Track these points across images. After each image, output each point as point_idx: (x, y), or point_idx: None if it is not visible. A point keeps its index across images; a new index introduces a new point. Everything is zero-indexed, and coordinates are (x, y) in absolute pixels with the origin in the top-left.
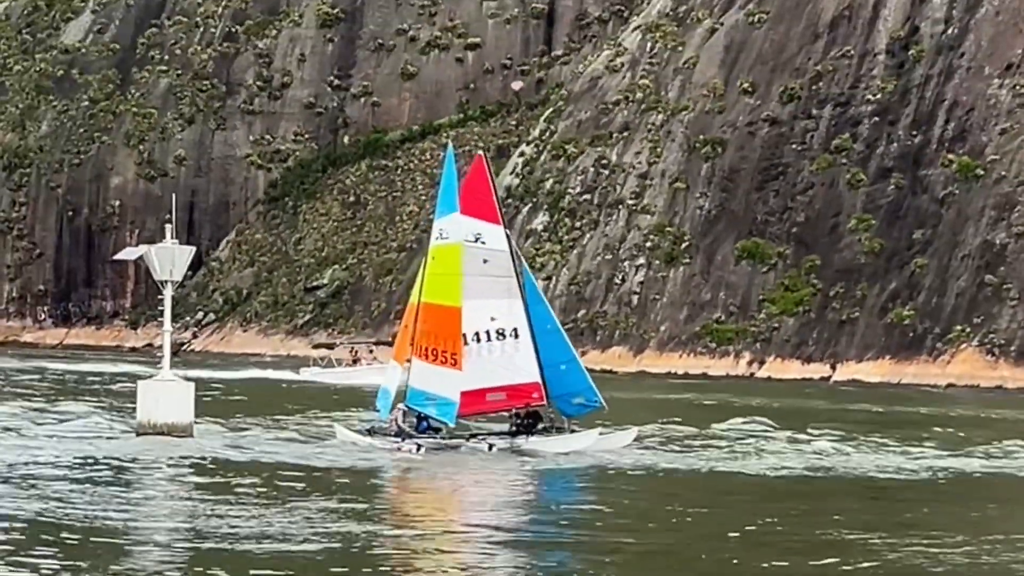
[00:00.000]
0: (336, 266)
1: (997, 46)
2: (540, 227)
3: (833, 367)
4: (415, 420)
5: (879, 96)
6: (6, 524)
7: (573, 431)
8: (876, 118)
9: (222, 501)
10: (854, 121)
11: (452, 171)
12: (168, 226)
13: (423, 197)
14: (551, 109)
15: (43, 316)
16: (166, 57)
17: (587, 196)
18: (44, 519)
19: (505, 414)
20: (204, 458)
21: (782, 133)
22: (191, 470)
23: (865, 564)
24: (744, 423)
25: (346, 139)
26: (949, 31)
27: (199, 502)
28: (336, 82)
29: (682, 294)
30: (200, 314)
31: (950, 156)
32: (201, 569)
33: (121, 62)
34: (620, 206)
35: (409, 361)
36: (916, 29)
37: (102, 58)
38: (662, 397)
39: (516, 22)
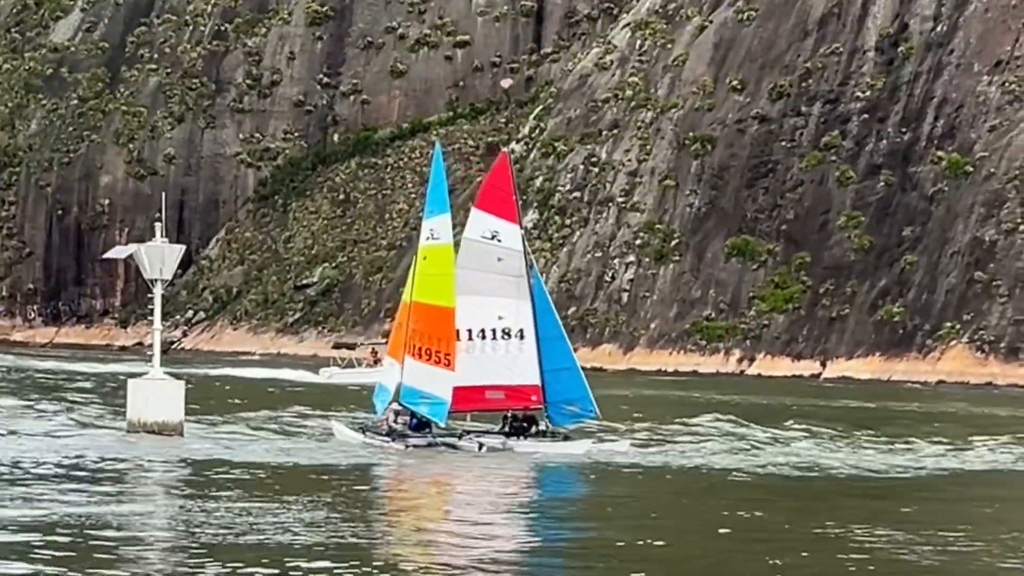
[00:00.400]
0: (326, 264)
1: (986, 43)
2: (530, 225)
3: (823, 364)
4: (409, 418)
5: (868, 93)
6: None
7: (568, 438)
8: (865, 115)
9: (211, 500)
10: (843, 118)
11: (440, 171)
12: (158, 224)
13: (413, 195)
14: (540, 107)
15: (33, 315)
16: (155, 56)
17: (577, 194)
18: (35, 520)
19: (498, 413)
20: (192, 458)
21: (771, 130)
22: (181, 469)
23: (853, 559)
24: (711, 421)
25: (336, 137)
26: (938, 28)
27: (188, 501)
28: (325, 80)
29: (672, 291)
30: (190, 312)
31: (939, 153)
32: (187, 570)
33: (110, 61)
34: (610, 204)
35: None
36: (905, 26)
37: (91, 57)
38: (647, 393)
39: (505, 20)
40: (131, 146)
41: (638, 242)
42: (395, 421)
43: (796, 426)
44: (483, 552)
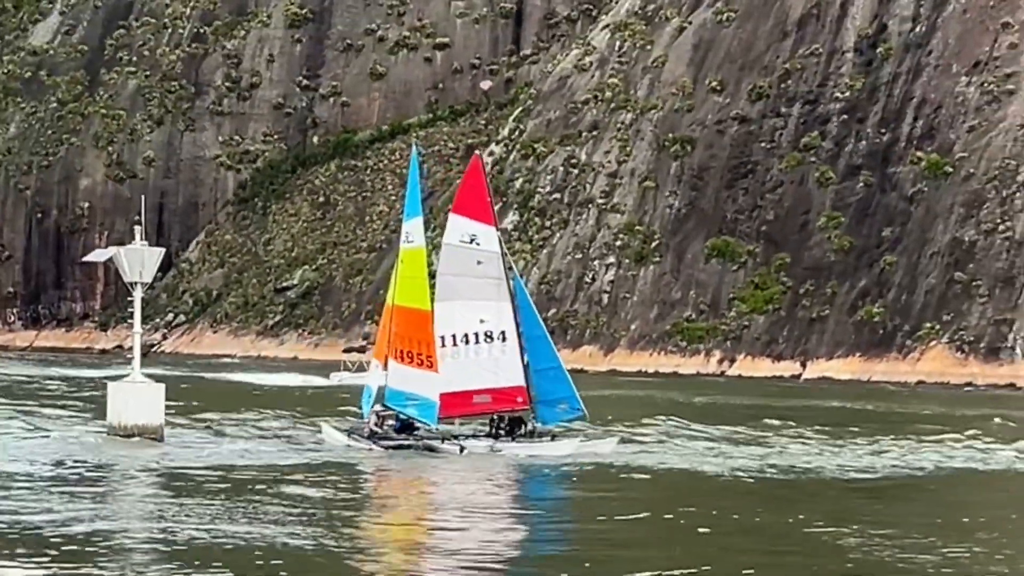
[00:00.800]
0: (306, 266)
1: (965, 44)
2: (510, 226)
3: (803, 365)
4: (395, 421)
5: (847, 94)
6: None
7: (554, 437)
8: (845, 116)
9: (190, 503)
10: (823, 119)
11: (416, 174)
12: (137, 227)
13: (393, 197)
14: (520, 108)
15: (12, 318)
16: (134, 58)
17: (557, 195)
18: (17, 524)
19: (487, 416)
20: (173, 463)
21: (751, 131)
22: (160, 473)
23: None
24: (658, 421)
25: (315, 139)
26: (917, 29)
27: (168, 505)
28: (305, 82)
29: (652, 293)
30: (170, 315)
31: (919, 154)
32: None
33: (89, 63)
34: (590, 205)
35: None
36: (884, 27)
37: (70, 60)
38: (631, 395)
39: (485, 21)
40: (110, 149)
41: (618, 243)
42: (378, 423)
43: (765, 426)
44: (460, 553)
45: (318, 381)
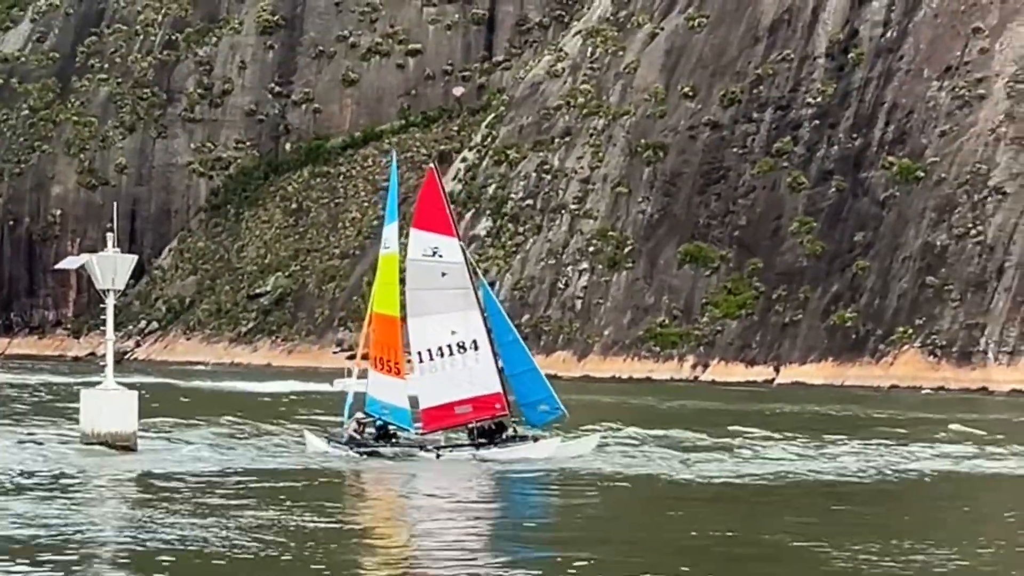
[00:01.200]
0: (279, 273)
1: (936, 49)
2: (483, 233)
3: (776, 369)
4: (374, 428)
5: (819, 99)
6: None
7: (536, 439)
8: (816, 121)
9: (162, 511)
10: (795, 124)
11: (394, 180)
12: (110, 235)
13: (365, 204)
14: (493, 115)
15: None
16: (106, 65)
17: (530, 201)
18: None
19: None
20: (148, 469)
21: (723, 137)
22: (134, 481)
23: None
24: (632, 427)
25: (288, 146)
26: (888, 34)
27: (140, 512)
28: (277, 89)
29: (625, 298)
30: (143, 322)
31: (890, 158)
32: None
33: (61, 71)
34: (563, 211)
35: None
36: (855, 32)
37: (41, 67)
38: (605, 400)
39: (457, 28)
40: (82, 156)
41: (591, 249)
42: (358, 430)
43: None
44: (432, 562)
45: (321, 387)
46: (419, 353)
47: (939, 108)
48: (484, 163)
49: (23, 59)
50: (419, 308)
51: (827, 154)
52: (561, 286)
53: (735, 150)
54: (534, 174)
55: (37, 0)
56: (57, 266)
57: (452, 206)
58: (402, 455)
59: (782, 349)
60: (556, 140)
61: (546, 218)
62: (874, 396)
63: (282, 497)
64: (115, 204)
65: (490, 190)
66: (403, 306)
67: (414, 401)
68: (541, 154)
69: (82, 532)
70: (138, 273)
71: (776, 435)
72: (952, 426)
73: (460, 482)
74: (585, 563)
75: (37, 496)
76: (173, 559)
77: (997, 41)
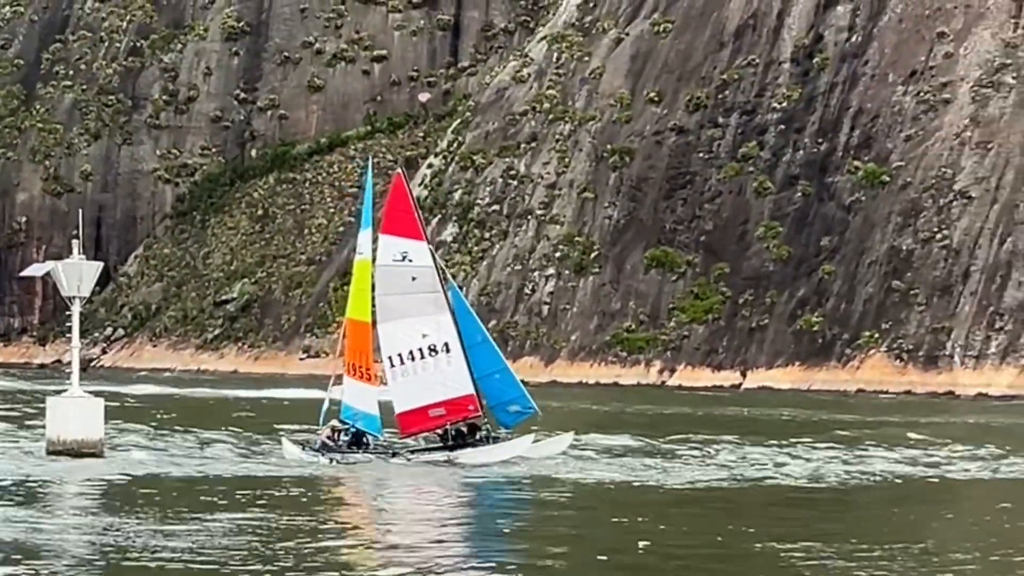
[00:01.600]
0: (245, 280)
1: (901, 53)
2: (450, 238)
3: (743, 374)
4: (347, 435)
5: (785, 104)
6: None
7: (509, 438)
8: (782, 126)
9: (127, 519)
10: (760, 129)
11: (369, 186)
12: (75, 241)
13: (331, 210)
14: (458, 120)
15: None
16: (71, 72)
17: (496, 207)
18: None
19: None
20: (113, 477)
21: (689, 142)
22: (102, 488)
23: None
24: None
25: (253, 152)
26: (853, 39)
27: (107, 520)
28: (242, 95)
29: (592, 303)
30: (109, 330)
31: (856, 163)
32: None
33: (25, 77)
34: (529, 216)
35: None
36: (820, 37)
37: (6, 74)
38: (577, 407)
39: (422, 34)
40: (47, 163)
41: (558, 254)
42: (331, 437)
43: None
44: (401, 568)
45: (319, 394)
46: (390, 358)
47: (904, 113)
48: (450, 169)
49: None
50: (388, 314)
51: (793, 159)
52: (528, 291)
53: (701, 155)
54: (500, 179)
55: (1, 7)
56: (23, 273)
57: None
58: (373, 461)
59: (749, 354)
60: (522, 145)
61: (512, 224)
62: (840, 400)
63: (249, 503)
64: (80, 211)
65: (456, 196)
66: (374, 312)
67: (387, 407)
68: (507, 160)
69: (43, 539)
70: (104, 280)
71: (738, 440)
72: (910, 434)
73: (428, 486)
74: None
75: (1, 504)
76: (135, 568)
77: (962, 46)
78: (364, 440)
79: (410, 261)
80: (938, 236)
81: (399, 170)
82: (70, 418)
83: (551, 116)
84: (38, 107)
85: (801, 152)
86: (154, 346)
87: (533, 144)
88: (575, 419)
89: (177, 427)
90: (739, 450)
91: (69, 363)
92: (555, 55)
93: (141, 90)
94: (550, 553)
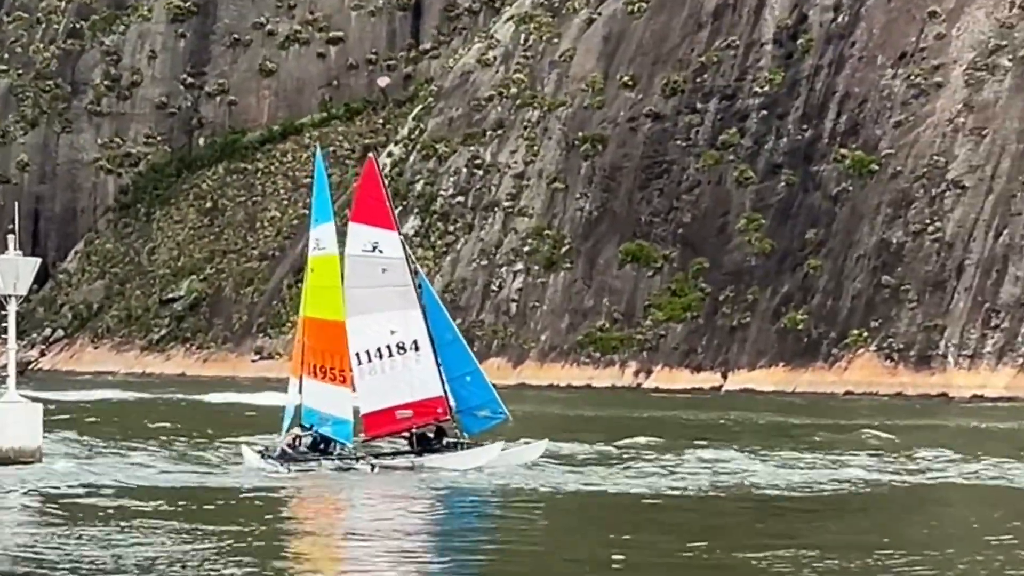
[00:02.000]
0: (193, 276)
1: (890, 34)
2: (411, 232)
3: (724, 376)
4: (313, 441)
5: (767, 88)
6: None
7: (480, 445)
8: (764, 112)
9: (63, 529)
10: (741, 115)
11: (323, 176)
12: (11, 236)
13: (285, 202)
14: (420, 106)
15: None
16: (6, 56)
17: (460, 198)
18: None
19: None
20: (51, 486)
21: (665, 128)
22: (40, 497)
23: None
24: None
25: (201, 141)
26: (839, 19)
27: (39, 532)
28: (189, 80)
29: (563, 301)
30: (48, 330)
31: (843, 151)
32: None
33: None
34: (496, 208)
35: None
36: (804, 17)
37: None
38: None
39: (381, 14)
40: None
41: (526, 249)
42: (291, 444)
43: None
44: None
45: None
46: (358, 355)
47: (894, 97)
48: (411, 158)
49: None
50: (358, 307)
51: (776, 147)
52: (495, 288)
53: (678, 143)
54: (465, 169)
55: None
56: None
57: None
58: (337, 469)
59: (730, 354)
60: (488, 133)
61: (478, 216)
62: (827, 403)
63: (188, 516)
64: (16, 204)
65: (418, 187)
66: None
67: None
68: (472, 148)
69: None
70: (42, 277)
71: (712, 445)
72: (865, 432)
73: (390, 497)
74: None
75: None
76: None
77: (954, 26)
78: (327, 446)
79: (380, 252)
80: (930, 228)
81: (371, 155)
82: (6, 425)
83: (519, 101)
84: None
85: (784, 139)
86: (96, 348)
87: (500, 131)
88: (545, 424)
89: (122, 433)
90: (713, 456)
91: (4, 367)
92: (523, 37)
93: (81, 75)
94: (520, 571)
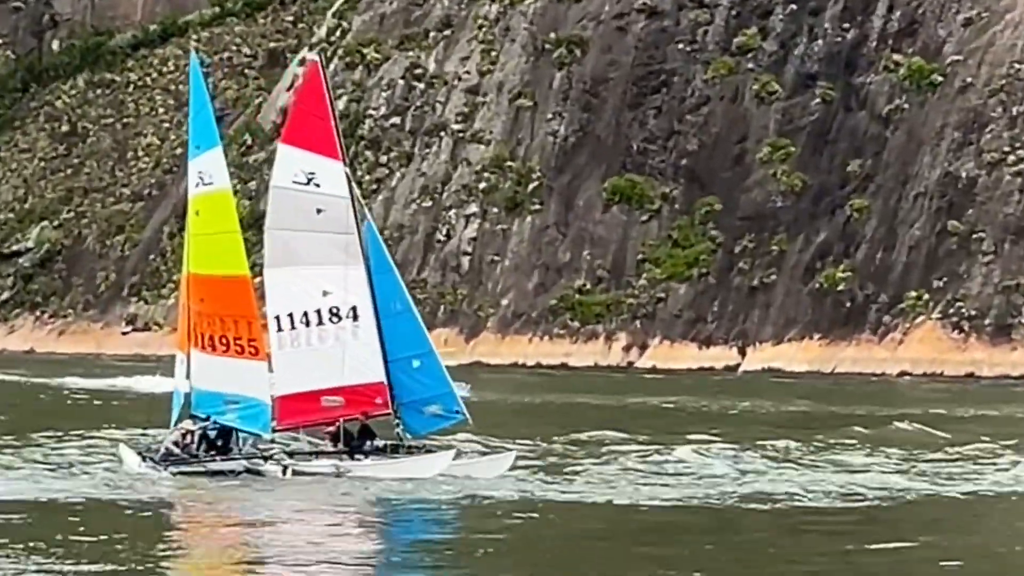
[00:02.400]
0: (45, 223)
1: None
2: None
3: (742, 352)
4: (206, 437)
5: None
6: None
7: (428, 451)
8: (793, 6)
9: None
10: (763, 10)
11: (202, 90)
12: None
13: (166, 125)
14: (342, 0)
15: None
16: None
17: (396, 120)
18: None
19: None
20: None
21: (664, 28)
22: None
23: None
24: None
25: (55, 45)
26: None
27: None
28: None
29: (531, 254)
30: None
31: (896, 57)
32: None
33: None
34: (442, 133)
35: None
36: None
37: None
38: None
39: None
40: None
41: (482, 186)
42: (177, 442)
43: None
44: None
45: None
46: (277, 318)
47: None
48: (332, 67)
49: None
50: (279, 256)
51: (808, 52)
52: (441, 238)
53: (681, 47)
54: (401, 82)
55: None
56: None
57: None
58: (240, 472)
59: (749, 323)
60: (432, 35)
61: (419, 143)
62: (874, 388)
63: (45, 540)
64: None
65: (340, 104)
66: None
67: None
68: (411, 54)
69: None
70: None
71: (718, 442)
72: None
73: (309, 511)
74: None
75: None
76: None
77: None
78: (227, 443)
79: (317, 186)
80: (1010, 159)
81: (313, 57)
82: None
83: None
84: None
85: (819, 42)
86: None
87: (447, 33)
88: (504, 417)
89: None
90: (718, 457)
91: None
92: None
93: None
94: None
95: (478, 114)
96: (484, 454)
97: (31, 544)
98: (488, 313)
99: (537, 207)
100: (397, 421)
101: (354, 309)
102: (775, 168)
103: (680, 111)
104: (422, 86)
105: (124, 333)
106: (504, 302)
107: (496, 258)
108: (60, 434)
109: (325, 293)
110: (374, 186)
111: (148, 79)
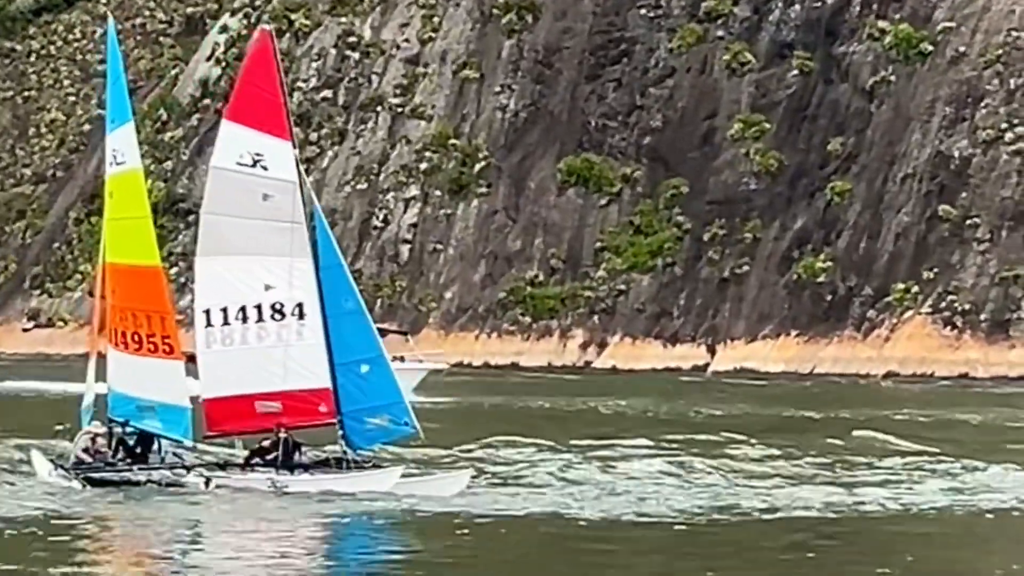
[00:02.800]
0: None
1: None
2: None
3: (711, 350)
4: (122, 442)
5: None
6: None
7: (374, 467)
8: None
9: None
10: None
11: (117, 62)
12: None
13: (72, 99)
14: None
15: None
16: None
17: (327, 93)
18: None
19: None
20: None
21: None
22: None
23: None
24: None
25: None
26: None
27: None
28: None
29: (477, 242)
30: None
31: (881, 24)
32: None
33: None
34: (379, 108)
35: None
36: None
37: None
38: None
39: None
40: None
41: (423, 166)
42: (88, 448)
43: None
44: None
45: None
46: (208, 312)
47: None
48: (256, 35)
49: None
50: (216, 244)
51: (784, 18)
52: (377, 223)
53: (643, 12)
54: (333, 51)
55: None
56: None
57: (205, 100)
58: (159, 483)
59: (720, 319)
60: None
61: (353, 118)
62: (856, 390)
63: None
64: None
65: None
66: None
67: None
68: (344, 21)
69: None
70: None
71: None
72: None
73: (242, 531)
74: None
75: None
76: None
77: None
78: (146, 449)
79: (264, 169)
80: (1007, 137)
81: (264, 27)
82: None
83: None
84: None
85: (797, 7)
86: None
87: None
88: (450, 424)
89: None
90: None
91: None
92: None
93: None
94: None
95: (418, 87)
96: (437, 471)
97: None
98: (430, 307)
99: (484, 190)
100: (342, 433)
101: (300, 306)
102: (748, 147)
103: (643, 84)
104: (356, 56)
105: (25, 330)
106: (448, 295)
107: (439, 246)
108: None
109: (268, 287)
110: (304, 166)
111: (52, 48)
